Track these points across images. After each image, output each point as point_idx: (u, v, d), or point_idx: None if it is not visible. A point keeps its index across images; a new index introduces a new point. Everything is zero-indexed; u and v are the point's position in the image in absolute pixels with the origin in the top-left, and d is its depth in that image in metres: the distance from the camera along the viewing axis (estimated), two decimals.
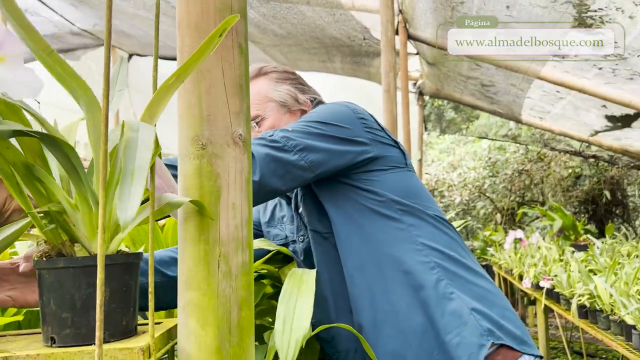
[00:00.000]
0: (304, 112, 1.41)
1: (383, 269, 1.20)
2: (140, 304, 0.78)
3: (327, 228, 1.27)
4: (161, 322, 0.80)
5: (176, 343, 0.73)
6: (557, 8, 3.21)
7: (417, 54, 4.70)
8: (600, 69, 3.80)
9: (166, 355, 0.92)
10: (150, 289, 0.67)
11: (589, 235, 3.62)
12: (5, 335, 0.79)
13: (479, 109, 5.26)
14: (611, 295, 2.34)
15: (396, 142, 1.35)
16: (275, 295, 1.25)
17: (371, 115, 1.34)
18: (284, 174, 1.14)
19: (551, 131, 5.25)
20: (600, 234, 5.35)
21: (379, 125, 1.32)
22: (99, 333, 0.50)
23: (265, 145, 1.13)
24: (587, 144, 5.50)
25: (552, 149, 5.37)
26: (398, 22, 4.17)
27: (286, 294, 0.98)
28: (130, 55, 5.15)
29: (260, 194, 1.13)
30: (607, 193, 5.34)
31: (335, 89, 5.51)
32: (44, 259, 0.69)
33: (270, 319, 1.26)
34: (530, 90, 4.51)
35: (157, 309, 1.17)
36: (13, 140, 0.66)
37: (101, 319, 0.51)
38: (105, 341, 0.67)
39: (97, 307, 0.51)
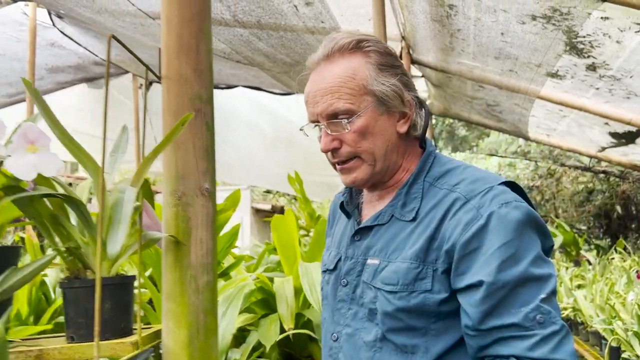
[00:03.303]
0: (403, 115, 1.15)
1: None
2: None
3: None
4: (151, 327, 1.09)
5: (160, 341, 1.02)
6: (547, 35, 3.44)
7: (423, 76, 4.96)
8: (597, 89, 4.01)
9: (154, 351, 1.21)
10: (139, 304, 0.96)
11: (582, 251, 3.81)
12: (39, 338, 1.09)
13: (487, 127, 5.49)
14: (599, 308, 2.56)
15: None
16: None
17: None
18: None
19: (560, 147, 5.44)
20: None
21: None
22: (97, 328, 0.80)
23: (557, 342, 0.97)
24: (597, 160, 5.66)
25: (562, 164, 5.55)
26: (402, 47, 4.45)
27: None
28: (150, 83, 5.55)
29: None
30: (618, 208, 5.49)
31: None
32: (66, 281, 0.99)
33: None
34: (534, 109, 4.72)
35: None
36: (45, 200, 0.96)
37: (99, 321, 0.80)
38: (107, 339, 0.96)
39: (95, 312, 0.80)
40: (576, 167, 5.52)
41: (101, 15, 3.98)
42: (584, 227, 6.28)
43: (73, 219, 1.01)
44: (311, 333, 1.55)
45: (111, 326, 0.98)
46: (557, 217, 6.24)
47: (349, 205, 1.24)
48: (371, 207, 1.20)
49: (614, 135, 4.72)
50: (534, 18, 3.49)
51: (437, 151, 1.21)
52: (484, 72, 4.39)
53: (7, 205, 0.99)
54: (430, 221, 1.07)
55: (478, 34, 3.84)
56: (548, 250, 1.06)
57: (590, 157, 5.45)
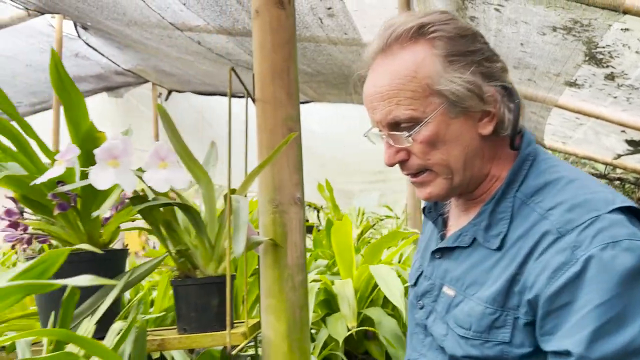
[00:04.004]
0: (486, 114, 0.93)
1: None
2: None
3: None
4: (247, 321, 1.24)
5: (259, 332, 1.17)
6: (567, 45, 3.60)
7: None
8: (615, 97, 4.16)
9: (252, 342, 1.37)
10: (245, 295, 1.11)
11: None
12: (156, 330, 1.24)
13: None
14: None
15: None
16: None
17: None
18: None
19: (575, 155, 5.58)
20: None
21: None
22: (228, 318, 0.95)
23: None
24: (612, 167, 5.80)
25: None
26: None
27: None
28: (170, 92, 5.71)
29: None
30: None
31: (362, 116, 5.98)
32: (178, 279, 1.14)
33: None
34: (551, 117, 4.87)
35: None
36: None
37: (230, 313, 0.95)
38: (217, 330, 1.11)
39: (226, 305, 0.95)
40: (591, 175, 5.67)
41: (130, 28, 4.15)
42: None
43: (181, 222, 1.16)
44: (373, 329, 1.72)
45: (218, 319, 1.12)
46: None
47: (432, 212, 1.09)
48: (456, 218, 1.04)
49: (630, 142, 4.88)
50: (554, 29, 3.65)
51: (538, 148, 0.96)
52: None
53: (121, 212, 1.15)
54: (516, 254, 0.87)
55: (498, 44, 4.00)
56: None
57: (606, 164, 5.58)
